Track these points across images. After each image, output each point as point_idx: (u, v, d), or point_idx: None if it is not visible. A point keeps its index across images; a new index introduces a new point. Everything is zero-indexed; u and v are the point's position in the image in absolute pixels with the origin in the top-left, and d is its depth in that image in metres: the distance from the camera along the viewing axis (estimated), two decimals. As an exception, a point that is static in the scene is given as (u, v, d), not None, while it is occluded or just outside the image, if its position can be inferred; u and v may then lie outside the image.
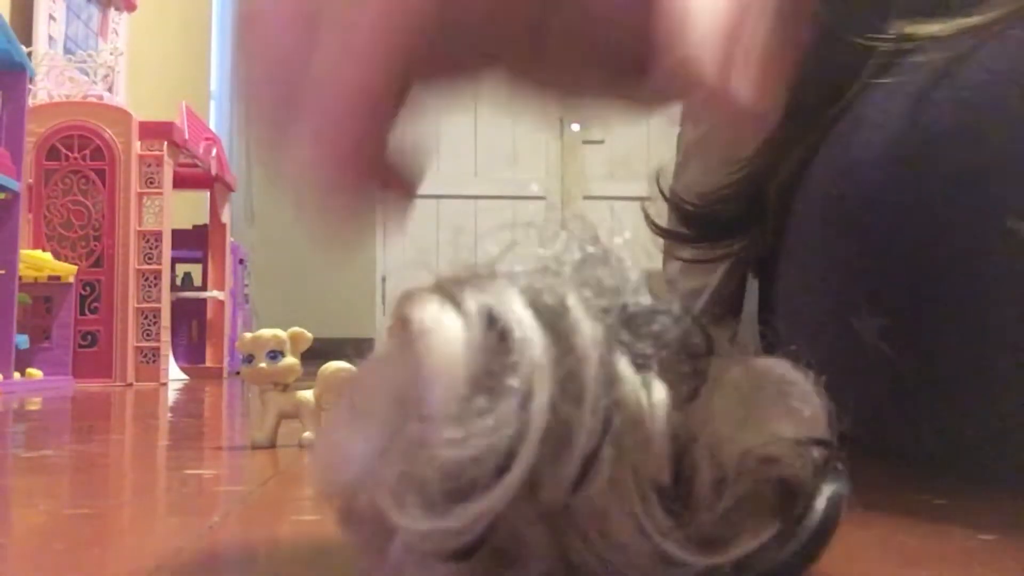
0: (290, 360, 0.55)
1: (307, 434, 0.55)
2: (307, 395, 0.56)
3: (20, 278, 1.34)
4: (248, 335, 0.55)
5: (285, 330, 0.55)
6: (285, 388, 0.56)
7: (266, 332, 0.54)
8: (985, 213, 0.36)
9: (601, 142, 3.73)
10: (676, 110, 0.65)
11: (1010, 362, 0.37)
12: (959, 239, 0.37)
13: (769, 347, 0.68)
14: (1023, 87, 0.36)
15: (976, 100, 0.37)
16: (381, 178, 0.29)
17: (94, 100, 1.73)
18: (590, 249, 0.23)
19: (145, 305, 1.58)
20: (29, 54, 1.49)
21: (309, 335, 0.56)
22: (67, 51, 1.83)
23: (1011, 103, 0.36)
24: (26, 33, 1.68)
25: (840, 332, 0.43)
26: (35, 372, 1.39)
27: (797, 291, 0.49)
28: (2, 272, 1.30)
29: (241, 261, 2.34)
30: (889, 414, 0.44)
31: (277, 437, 0.56)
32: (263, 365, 0.54)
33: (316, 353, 0.63)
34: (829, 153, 0.45)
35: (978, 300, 0.37)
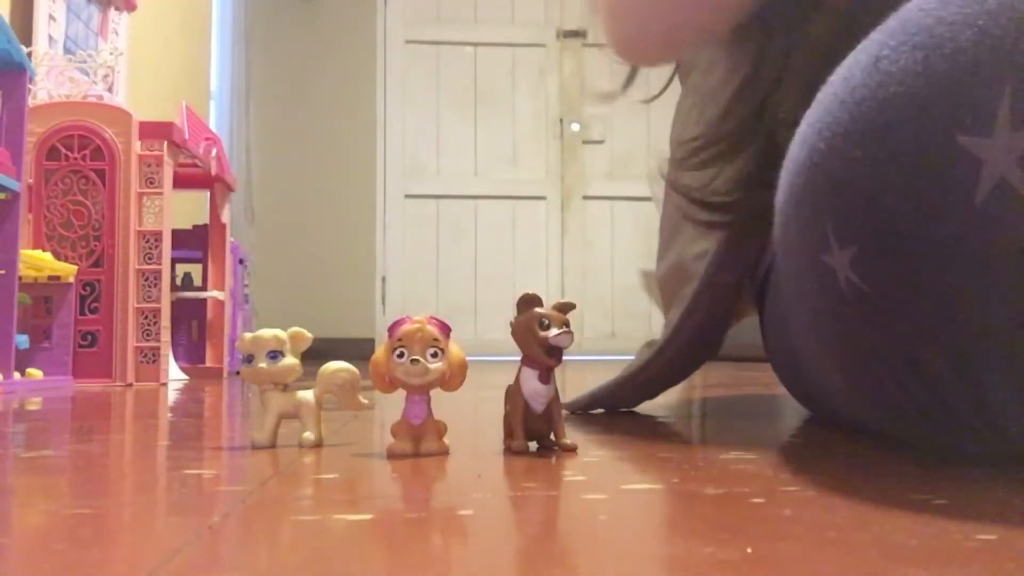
0: (290, 360, 0.54)
1: (307, 434, 0.55)
2: (307, 395, 0.56)
3: (20, 278, 1.34)
4: (248, 335, 0.54)
5: (285, 330, 0.55)
6: (285, 388, 0.56)
7: (266, 332, 0.54)
8: (934, 135, 0.38)
9: (601, 142, 3.72)
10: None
11: (969, 275, 0.39)
12: (911, 162, 0.39)
13: (773, 316, 0.69)
14: (975, 28, 0.38)
15: (927, 42, 0.40)
16: None
17: (94, 100, 1.73)
18: None
19: (145, 305, 1.58)
20: (29, 54, 1.49)
21: (309, 335, 0.56)
22: (67, 51, 1.83)
23: (960, 42, 0.38)
24: (26, 33, 1.68)
25: (819, 272, 0.45)
26: (35, 372, 1.39)
27: (783, 239, 0.51)
28: (2, 272, 1.30)
29: (241, 261, 2.34)
30: (867, 351, 0.45)
31: (277, 437, 0.56)
32: (263, 365, 0.54)
33: (316, 353, 0.63)
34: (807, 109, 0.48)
35: (933, 218, 0.39)
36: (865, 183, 0.41)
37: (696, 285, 0.70)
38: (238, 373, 1.86)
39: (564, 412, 0.76)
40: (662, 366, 0.75)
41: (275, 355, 0.54)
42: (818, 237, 0.44)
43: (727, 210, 0.67)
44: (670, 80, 0.77)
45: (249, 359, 0.54)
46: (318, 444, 0.55)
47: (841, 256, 0.43)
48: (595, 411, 0.80)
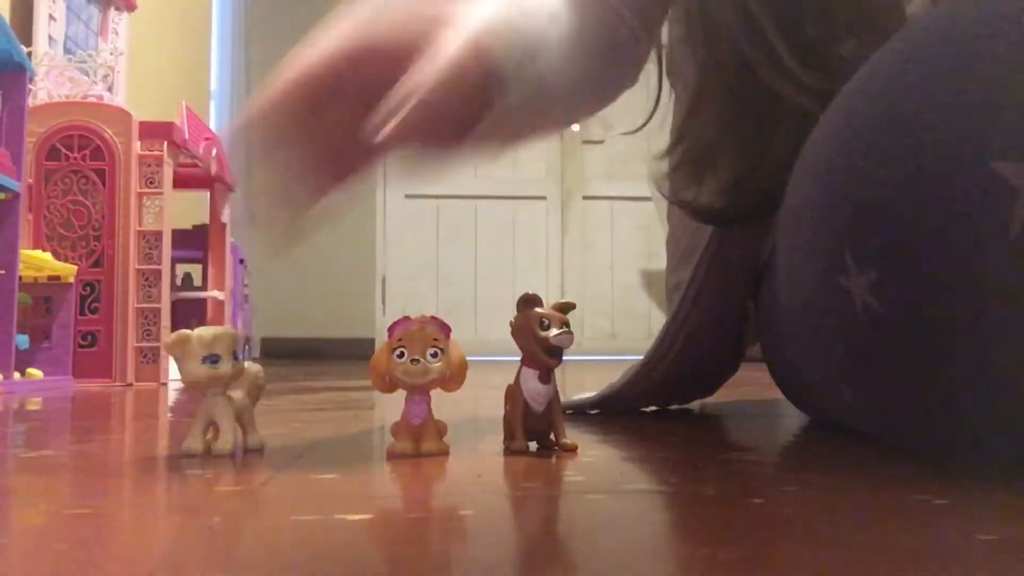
0: (243, 361, 0.51)
1: (228, 440, 0.51)
2: (242, 396, 0.53)
3: (20, 278, 1.34)
4: (206, 332, 0.49)
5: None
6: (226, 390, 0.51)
7: (221, 329, 0.49)
8: (968, 159, 0.37)
9: (601, 142, 3.72)
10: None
11: (1000, 305, 0.37)
12: (943, 187, 0.37)
13: (769, 328, 0.68)
14: (1009, 36, 0.36)
15: (959, 54, 0.38)
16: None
17: (94, 100, 1.73)
18: None
19: (145, 305, 1.58)
20: (29, 54, 1.49)
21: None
22: (67, 51, 1.83)
23: (999, 49, 0.37)
24: (26, 33, 1.68)
25: (832, 293, 0.43)
26: (35, 372, 1.39)
27: (793, 256, 0.50)
28: (2, 272, 1.30)
29: (241, 261, 2.34)
30: (881, 371, 0.45)
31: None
32: (230, 365, 0.49)
33: (316, 353, 0.63)
34: (822, 120, 0.46)
35: (964, 246, 0.37)
36: (890, 207, 0.39)
37: (684, 291, 0.70)
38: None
39: (567, 412, 0.76)
40: (662, 375, 0.74)
41: (235, 355, 0.50)
42: (834, 258, 0.43)
43: (718, 217, 0.66)
44: (655, 105, 0.75)
45: (214, 359, 0.49)
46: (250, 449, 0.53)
47: (859, 279, 0.41)
48: (594, 411, 0.80)
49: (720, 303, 0.71)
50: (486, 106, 0.47)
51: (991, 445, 0.42)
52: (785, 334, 0.59)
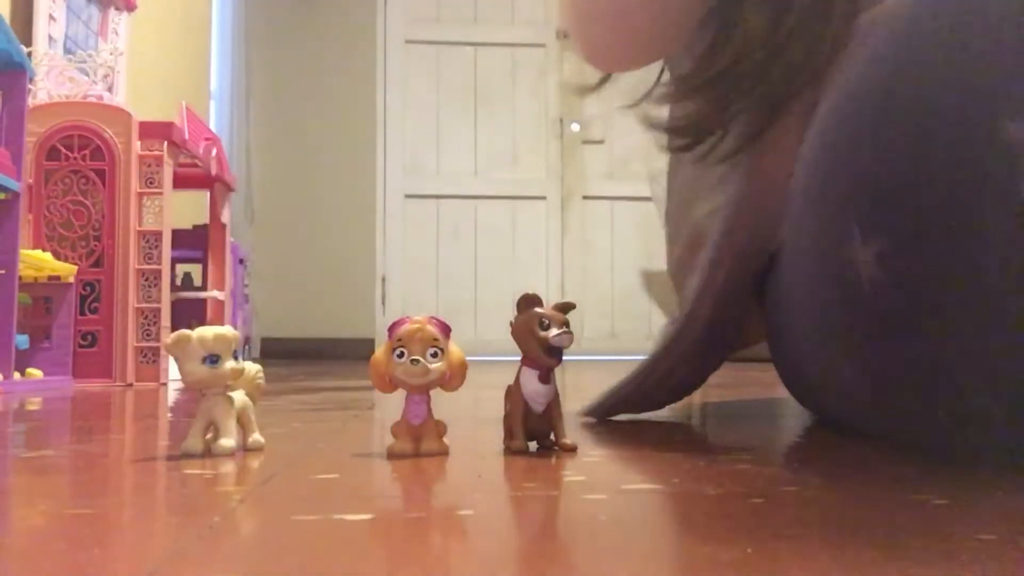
0: (242, 361, 0.51)
1: (228, 440, 0.51)
2: (242, 396, 0.53)
3: (20, 278, 1.34)
4: (206, 332, 0.49)
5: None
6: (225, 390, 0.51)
7: (221, 329, 0.49)
8: (971, 121, 0.36)
9: (601, 142, 3.72)
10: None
11: (1002, 275, 0.37)
12: (947, 152, 0.37)
13: (774, 305, 0.68)
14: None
15: (956, 18, 0.37)
16: None
17: (94, 100, 1.73)
18: None
19: (145, 305, 1.58)
20: (29, 54, 1.49)
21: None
22: (67, 51, 1.83)
23: (991, 10, 0.36)
24: (26, 33, 1.68)
25: (837, 265, 0.43)
26: (35, 372, 1.39)
27: (800, 230, 0.50)
28: (2, 272, 1.30)
29: (241, 261, 2.34)
30: (884, 346, 0.44)
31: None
32: (230, 365, 0.49)
33: (316, 353, 0.63)
34: (828, 93, 0.46)
35: (976, 214, 0.37)
36: (899, 174, 0.39)
37: (714, 238, 0.66)
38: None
39: (585, 418, 0.75)
40: (685, 350, 0.70)
41: (235, 354, 0.50)
42: (840, 230, 0.42)
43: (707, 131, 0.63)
44: (656, 82, 0.74)
45: (214, 359, 0.49)
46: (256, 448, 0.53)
47: (865, 250, 0.41)
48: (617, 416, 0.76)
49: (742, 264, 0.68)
50: None
51: (993, 423, 0.42)
52: (791, 307, 0.58)
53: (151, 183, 1.60)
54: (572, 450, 0.52)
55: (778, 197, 0.60)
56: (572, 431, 0.53)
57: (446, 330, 0.50)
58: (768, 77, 0.56)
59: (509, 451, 0.52)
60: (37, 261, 1.41)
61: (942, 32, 0.38)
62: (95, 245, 1.56)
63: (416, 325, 0.49)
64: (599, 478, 0.44)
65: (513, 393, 0.53)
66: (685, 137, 0.65)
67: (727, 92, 0.61)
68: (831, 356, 0.51)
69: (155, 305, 1.58)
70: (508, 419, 0.53)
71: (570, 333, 0.51)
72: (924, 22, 0.39)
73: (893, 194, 0.39)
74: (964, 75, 0.36)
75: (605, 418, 0.75)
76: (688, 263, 0.74)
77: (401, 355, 0.49)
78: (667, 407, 0.82)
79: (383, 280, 3.65)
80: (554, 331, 0.50)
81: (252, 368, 0.55)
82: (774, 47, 0.55)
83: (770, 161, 0.62)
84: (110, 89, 1.96)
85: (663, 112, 0.68)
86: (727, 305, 0.67)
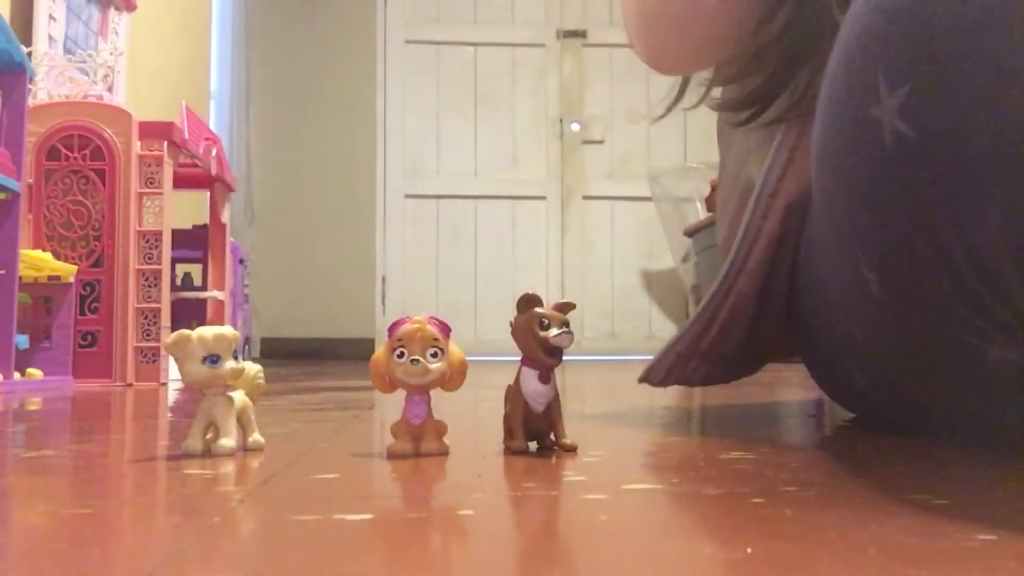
0: (242, 361, 0.51)
1: (228, 440, 0.51)
2: (244, 396, 0.53)
3: (20, 278, 1.34)
4: (206, 332, 0.49)
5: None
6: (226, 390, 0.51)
7: (221, 329, 0.49)
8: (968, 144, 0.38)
9: (601, 142, 3.72)
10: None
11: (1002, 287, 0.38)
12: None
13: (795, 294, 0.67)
14: None
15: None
16: None
17: (94, 100, 1.73)
18: None
19: (145, 305, 1.58)
20: (29, 54, 1.49)
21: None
22: (67, 51, 1.83)
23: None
24: (26, 33, 1.68)
25: (862, 128, 0.44)
26: (35, 372, 1.39)
27: (828, 100, 0.50)
28: (2, 272, 1.30)
29: (241, 261, 2.34)
30: (909, 220, 0.45)
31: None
32: (230, 365, 0.49)
33: (316, 353, 0.63)
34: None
35: (995, 52, 0.37)
36: (922, 15, 0.40)
37: (762, 187, 0.66)
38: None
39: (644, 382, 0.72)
40: (735, 305, 0.68)
41: (235, 354, 0.50)
42: (867, 85, 0.43)
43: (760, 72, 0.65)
44: (678, 97, 0.76)
45: (214, 359, 0.48)
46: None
47: (890, 102, 0.42)
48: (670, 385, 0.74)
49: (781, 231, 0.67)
50: None
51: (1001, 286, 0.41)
52: (818, 203, 0.57)
53: (151, 183, 1.60)
54: (572, 450, 0.52)
55: None
56: (572, 431, 0.53)
57: (446, 330, 0.50)
58: (820, 45, 0.58)
59: (509, 451, 0.52)
60: (37, 261, 1.41)
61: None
62: (95, 245, 1.56)
63: (416, 325, 0.49)
64: (599, 478, 0.44)
65: (513, 393, 0.53)
66: (751, 108, 0.67)
67: (783, 63, 0.64)
68: (852, 256, 0.50)
69: (155, 305, 1.58)
70: (508, 419, 0.53)
71: (570, 333, 0.51)
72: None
73: (917, 36, 0.40)
74: (964, 92, 0.38)
75: (663, 385, 0.73)
76: (738, 220, 0.72)
77: (401, 355, 0.49)
78: (667, 407, 0.81)
79: (383, 280, 3.65)
80: (554, 331, 0.50)
81: (252, 368, 0.55)
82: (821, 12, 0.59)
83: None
84: (110, 89, 1.96)
85: (725, 92, 0.70)
86: (773, 263, 0.66)
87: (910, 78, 0.41)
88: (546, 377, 0.52)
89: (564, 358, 0.52)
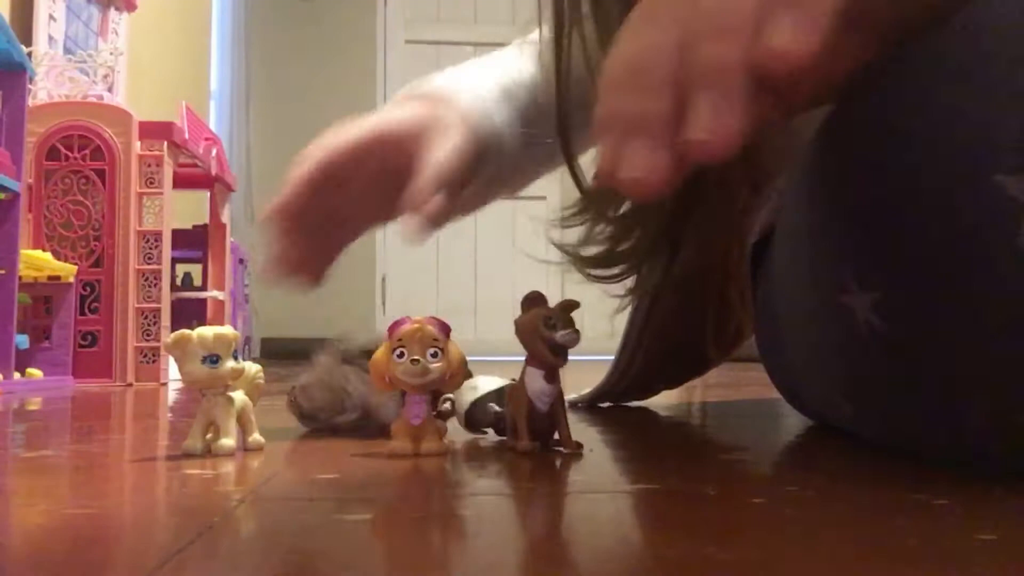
0: (242, 361, 0.51)
1: (228, 440, 0.51)
2: (244, 396, 0.53)
3: (20, 278, 1.34)
4: (206, 332, 0.49)
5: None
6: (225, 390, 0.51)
7: (221, 329, 0.49)
8: (968, 174, 0.35)
9: (601, 142, 3.72)
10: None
11: (1006, 319, 0.36)
12: (944, 201, 0.36)
13: (767, 336, 0.69)
14: (1010, 60, 0.35)
15: (959, 54, 0.37)
16: None
17: (94, 100, 1.73)
18: None
19: (145, 305, 1.58)
20: (29, 54, 1.49)
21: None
22: (67, 51, 1.83)
23: (992, 75, 0.35)
24: (26, 33, 1.68)
25: (833, 311, 0.43)
26: (35, 372, 1.39)
27: (789, 277, 0.49)
28: (2, 272, 1.30)
29: (241, 261, 2.34)
30: (884, 389, 0.44)
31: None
32: (230, 365, 0.49)
33: (315, 353, 0.63)
34: (816, 135, 0.45)
35: (971, 266, 0.36)
36: (892, 226, 0.38)
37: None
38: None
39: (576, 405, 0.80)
40: (638, 371, 0.78)
41: (235, 354, 0.50)
42: (836, 278, 0.42)
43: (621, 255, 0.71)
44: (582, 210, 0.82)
45: (214, 359, 0.48)
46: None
47: (862, 298, 0.40)
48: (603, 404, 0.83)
49: (673, 320, 0.77)
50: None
51: (995, 456, 0.41)
52: (785, 342, 0.58)
53: (151, 183, 1.60)
54: (577, 450, 0.52)
55: None
56: (572, 431, 0.53)
57: (446, 330, 0.50)
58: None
59: (515, 452, 0.52)
60: (37, 261, 1.41)
61: (933, 84, 0.37)
62: (95, 245, 1.56)
63: (416, 325, 0.49)
64: (599, 478, 0.44)
65: (517, 392, 0.52)
66: (601, 268, 0.74)
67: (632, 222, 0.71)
68: (829, 392, 0.51)
69: (155, 305, 1.58)
70: (512, 419, 0.53)
71: (577, 332, 0.51)
72: (916, 73, 0.38)
73: (889, 246, 0.39)
74: (954, 128, 0.36)
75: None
76: None
77: (401, 355, 0.49)
78: (667, 407, 0.82)
79: (383, 280, 3.65)
80: (560, 331, 0.50)
81: (252, 368, 0.55)
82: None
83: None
84: (110, 89, 1.96)
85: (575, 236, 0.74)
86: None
87: (882, 287, 0.39)
88: (551, 377, 0.52)
89: (564, 358, 0.52)
